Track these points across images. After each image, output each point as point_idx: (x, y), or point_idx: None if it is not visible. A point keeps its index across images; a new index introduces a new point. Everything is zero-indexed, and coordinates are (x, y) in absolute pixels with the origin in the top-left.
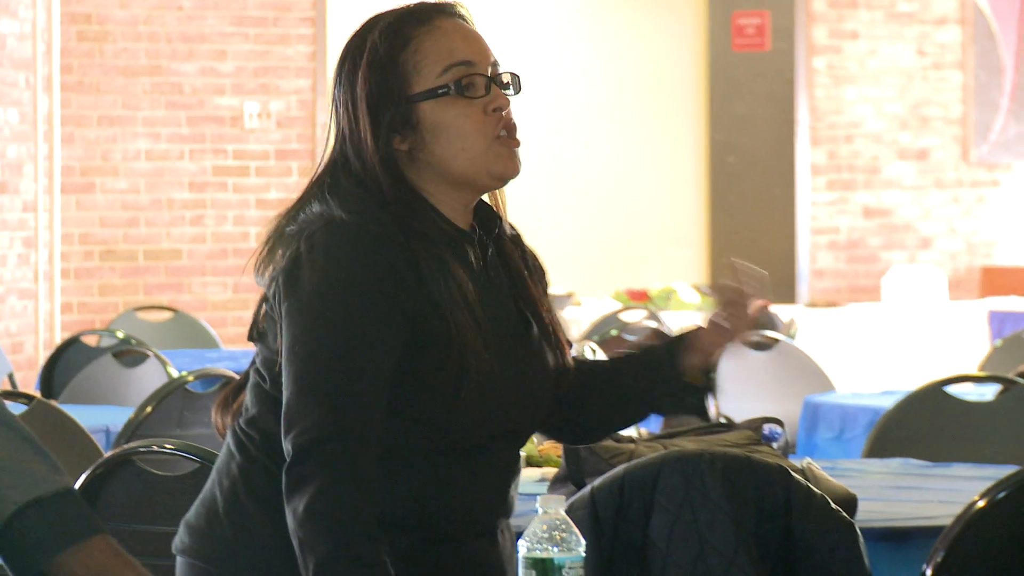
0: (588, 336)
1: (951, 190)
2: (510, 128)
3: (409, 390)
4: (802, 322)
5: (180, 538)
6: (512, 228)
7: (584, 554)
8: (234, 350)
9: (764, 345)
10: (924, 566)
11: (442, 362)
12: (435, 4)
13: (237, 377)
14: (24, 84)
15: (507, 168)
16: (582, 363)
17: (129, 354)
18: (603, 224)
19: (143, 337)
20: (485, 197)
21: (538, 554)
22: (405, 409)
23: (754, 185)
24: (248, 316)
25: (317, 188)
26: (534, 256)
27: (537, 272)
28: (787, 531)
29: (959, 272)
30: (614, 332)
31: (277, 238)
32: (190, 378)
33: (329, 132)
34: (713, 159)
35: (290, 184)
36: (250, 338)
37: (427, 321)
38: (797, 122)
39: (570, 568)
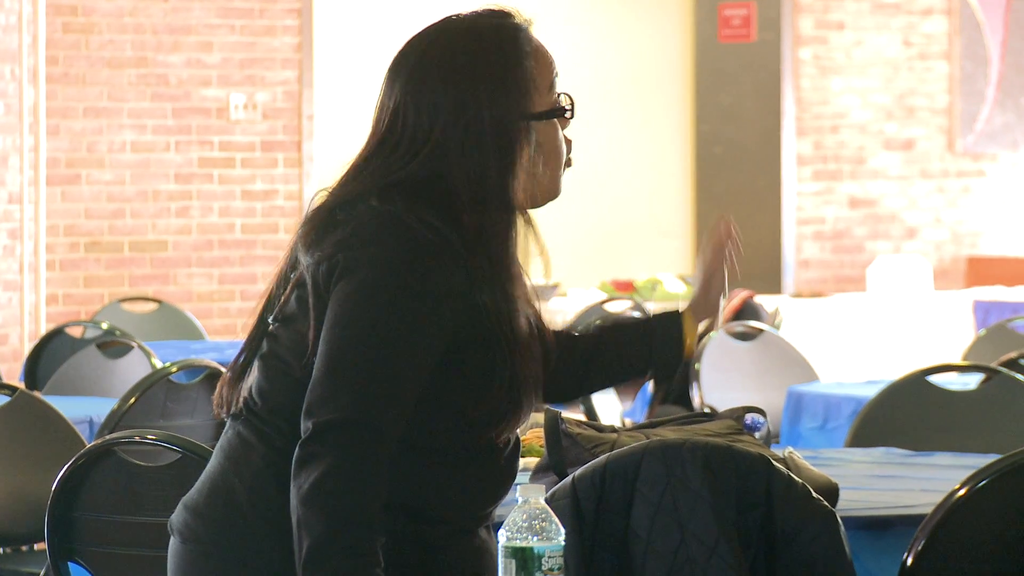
0: (574, 327)
1: (937, 180)
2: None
3: (446, 387)
4: (787, 312)
5: (186, 524)
6: None
7: (564, 543)
8: (219, 341)
9: (748, 335)
10: (905, 554)
11: (483, 370)
12: (522, 16)
13: (222, 368)
14: (9, 76)
15: (559, 190)
16: (563, 333)
17: (113, 345)
18: (589, 214)
19: (128, 328)
20: None
21: (518, 543)
22: (439, 404)
23: (740, 176)
24: (233, 308)
25: (380, 185)
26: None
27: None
28: (768, 520)
29: (944, 262)
30: (598, 322)
31: (329, 221)
32: (174, 369)
33: (399, 135)
34: (699, 150)
35: (276, 175)
36: (274, 320)
37: (473, 328)
38: (783, 113)
39: (550, 557)
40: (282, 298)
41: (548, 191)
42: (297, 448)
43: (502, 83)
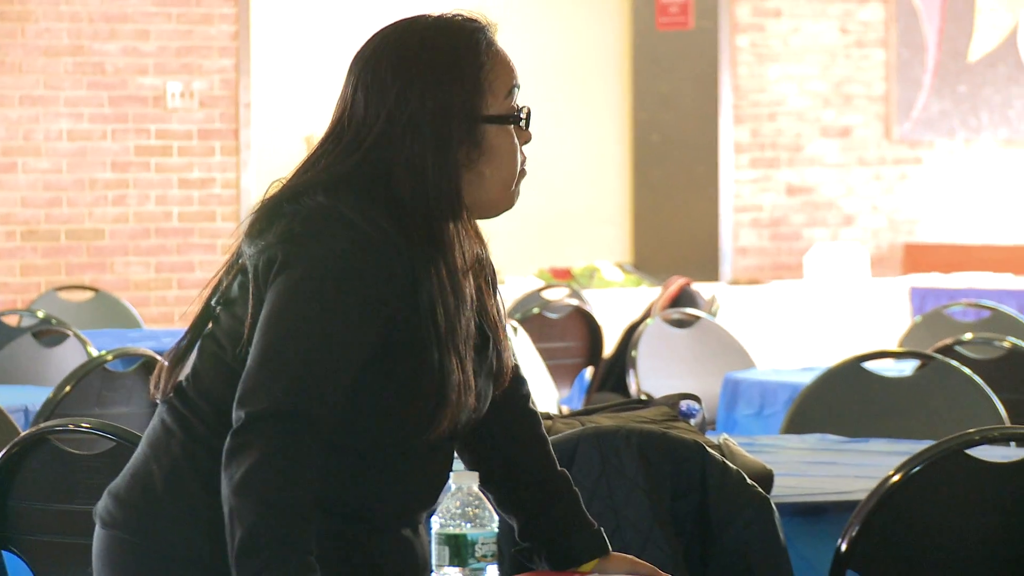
0: (511, 314)
1: (874, 168)
2: (525, 165)
3: (377, 388)
4: (725, 299)
5: (108, 511)
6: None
7: (497, 530)
8: (156, 329)
9: (685, 322)
10: (839, 540)
11: (416, 368)
12: (486, 20)
13: (158, 357)
14: None
15: (514, 201)
16: (519, 432)
17: (49, 334)
18: (527, 202)
19: (65, 317)
20: None
21: (451, 530)
22: (369, 405)
23: (677, 163)
24: (170, 296)
25: (327, 179)
26: (494, 271)
27: (495, 286)
28: (703, 506)
29: (881, 249)
30: (536, 310)
31: (276, 213)
32: (109, 357)
33: (347, 126)
34: (637, 137)
35: (213, 164)
36: (216, 303)
37: (409, 328)
38: (720, 100)
39: (483, 544)
40: (225, 283)
41: (497, 200)
42: (228, 438)
43: (450, 78)
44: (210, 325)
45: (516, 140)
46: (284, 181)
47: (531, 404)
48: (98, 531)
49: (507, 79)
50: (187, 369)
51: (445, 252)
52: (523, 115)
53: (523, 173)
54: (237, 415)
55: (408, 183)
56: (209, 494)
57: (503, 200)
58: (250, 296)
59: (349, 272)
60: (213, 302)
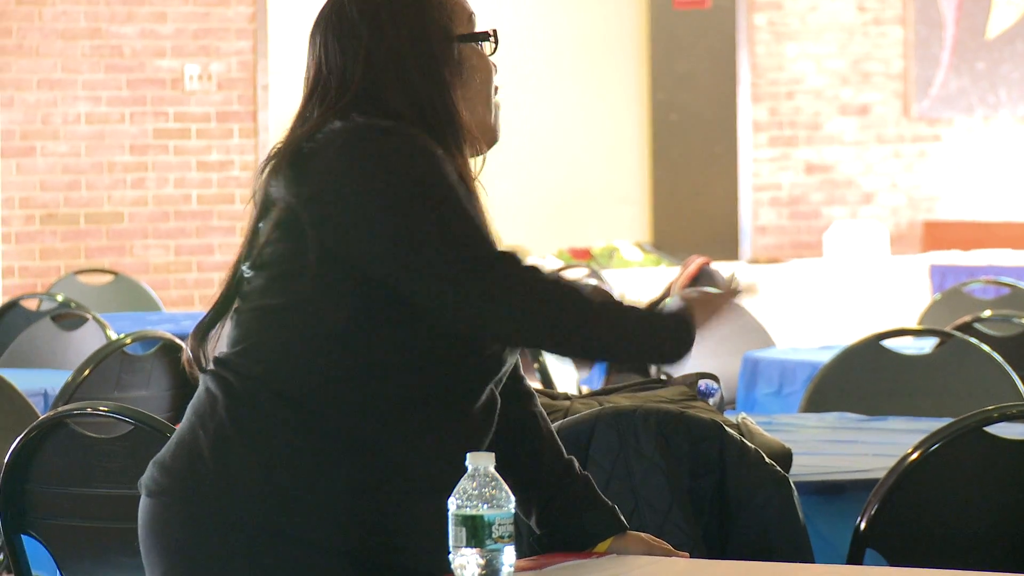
0: None
1: (892, 145)
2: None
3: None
4: (745, 278)
5: (153, 479)
6: None
7: (514, 511)
8: (175, 312)
9: None
10: (858, 518)
11: None
12: None
13: (177, 340)
14: None
15: (497, 133)
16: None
17: (68, 317)
18: (546, 182)
19: (84, 301)
20: None
21: (468, 511)
22: (432, 354)
23: (696, 142)
24: (190, 279)
25: (333, 115)
26: None
27: None
28: (721, 486)
29: (901, 227)
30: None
31: (296, 154)
32: (128, 340)
33: (329, 76)
34: (655, 117)
35: (231, 146)
36: (252, 267)
37: None
38: (739, 79)
39: (500, 524)
40: (258, 245)
41: (483, 122)
42: (479, 303)
43: (414, 4)
44: (243, 292)
45: (489, 63)
46: (277, 145)
47: (536, 405)
48: (144, 501)
49: (464, 6)
50: (218, 336)
51: (455, 159)
52: (491, 35)
53: (497, 105)
54: (429, 287)
55: (406, 109)
56: (256, 457)
57: (486, 127)
58: (308, 238)
59: (429, 157)
60: (245, 267)
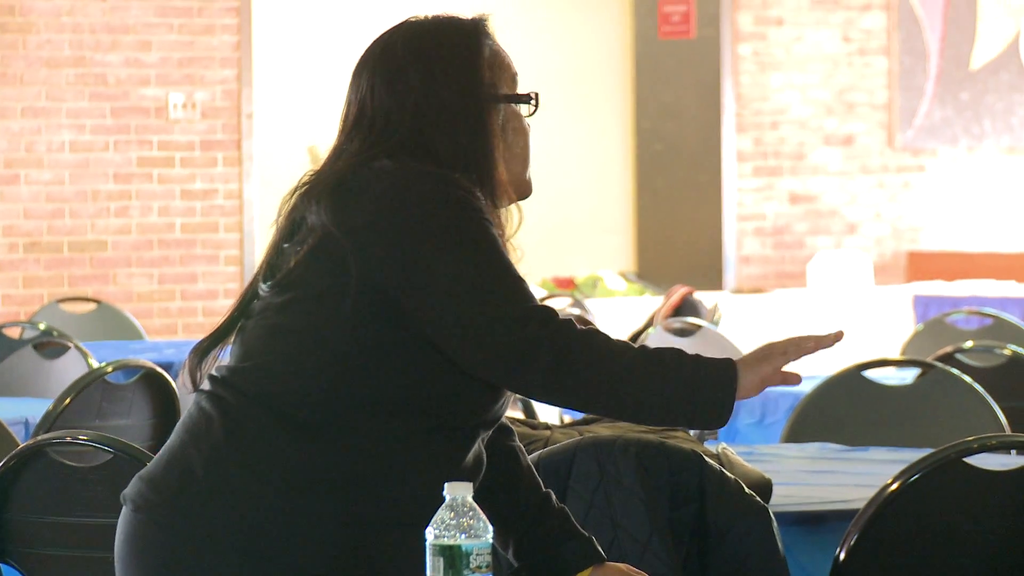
0: None
1: (876, 176)
2: None
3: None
4: (728, 308)
5: (141, 495)
6: None
7: (492, 541)
8: (158, 341)
9: (687, 331)
10: (838, 549)
11: None
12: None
13: (158, 369)
14: None
15: (530, 189)
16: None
17: (50, 346)
18: (530, 211)
19: (67, 329)
20: None
21: (445, 541)
22: (448, 386)
23: (681, 172)
24: (173, 308)
25: (381, 151)
26: None
27: None
28: (701, 516)
29: (885, 257)
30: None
31: (339, 184)
32: (109, 369)
33: (375, 115)
34: (640, 146)
35: (215, 174)
36: (273, 286)
37: None
38: (723, 109)
39: (478, 555)
40: (284, 266)
41: (519, 179)
42: (535, 371)
43: (468, 62)
44: (259, 310)
45: (526, 125)
46: (311, 173)
47: (514, 439)
48: (128, 515)
49: (510, 67)
50: (218, 355)
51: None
52: (533, 99)
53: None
54: (464, 338)
55: (451, 160)
56: (250, 477)
57: (524, 182)
58: (351, 266)
59: (461, 198)
60: (264, 286)
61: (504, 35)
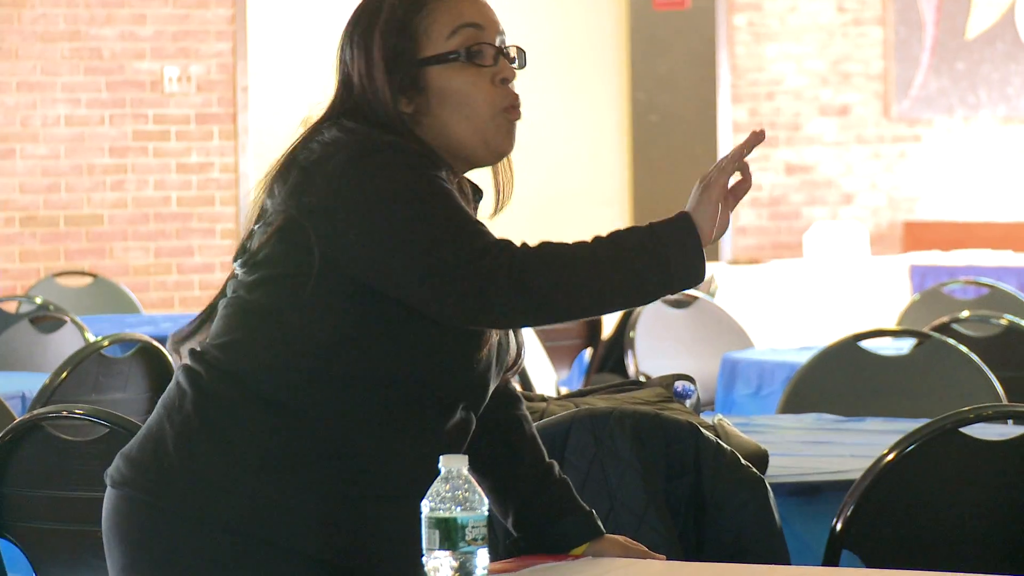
0: None
1: (872, 146)
2: (516, 102)
3: (417, 328)
4: (724, 279)
5: (118, 470)
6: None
7: (487, 513)
8: (155, 315)
9: (683, 303)
10: (834, 519)
11: None
12: None
13: (154, 342)
14: None
15: (505, 143)
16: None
17: (46, 320)
18: (525, 183)
19: (64, 303)
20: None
21: (441, 513)
22: (411, 354)
23: (676, 143)
24: (170, 281)
25: (331, 121)
26: None
27: None
28: (697, 487)
29: (881, 227)
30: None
31: (291, 162)
32: (105, 343)
33: (336, 85)
34: (635, 118)
35: (211, 148)
36: (243, 264)
37: None
38: (719, 80)
39: (473, 527)
40: (252, 246)
41: (470, 142)
42: (487, 296)
43: (375, 31)
44: (231, 288)
45: (479, 78)
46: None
47: (521, 407)
48: (108, 492)
49: (450, 19)
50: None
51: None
52: (474, 49)
53: (512, 112)
54: (425, 288)
55: (395, 125)
56: (221, 454)
57: (481, 141)
58: (313, 244)
59: (421, 169)
60: (237, 264)
61: (499, 6)
